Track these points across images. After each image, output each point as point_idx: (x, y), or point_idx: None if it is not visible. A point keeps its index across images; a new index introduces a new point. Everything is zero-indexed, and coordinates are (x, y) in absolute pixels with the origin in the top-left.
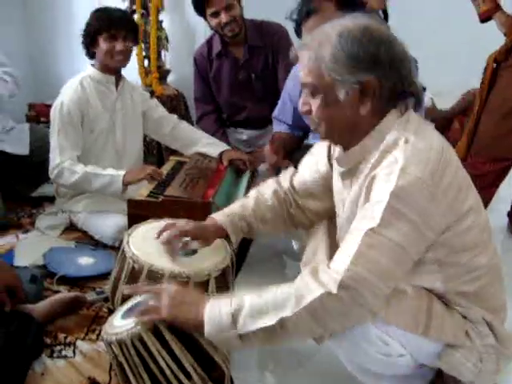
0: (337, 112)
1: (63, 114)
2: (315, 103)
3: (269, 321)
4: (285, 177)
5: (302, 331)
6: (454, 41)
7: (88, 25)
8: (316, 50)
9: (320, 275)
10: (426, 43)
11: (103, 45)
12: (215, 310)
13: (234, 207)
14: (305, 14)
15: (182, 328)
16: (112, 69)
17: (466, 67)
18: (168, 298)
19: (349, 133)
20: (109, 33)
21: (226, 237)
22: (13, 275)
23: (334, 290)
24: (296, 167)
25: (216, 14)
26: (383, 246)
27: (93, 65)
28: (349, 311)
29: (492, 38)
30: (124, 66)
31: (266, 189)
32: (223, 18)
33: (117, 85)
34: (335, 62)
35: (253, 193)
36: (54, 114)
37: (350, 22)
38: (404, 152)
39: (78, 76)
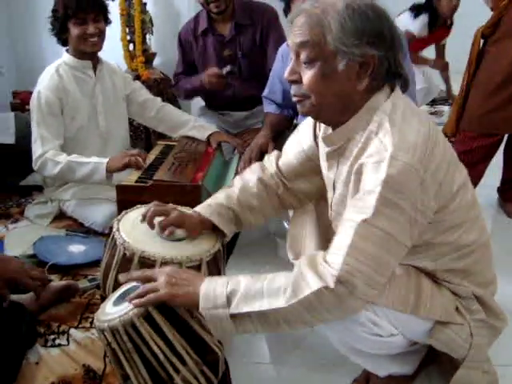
0: (332, 84)
1: (41, 104)
2: (310, 72)
3: (262, 307)
4: (270, 160)
5: (295, 320)
6: None
7: (54, 11)
8: (319, 16)
9: (318, 268)
10: None
11: (74, 30)
12: (211, 288)
13: (219, 198)
14: None
15: (176, 306)
16: (88, 54)
17: None
18: (165, 277)
19: (339, 108)
20: (77, 17)
21: (213, 228)
22: (11, 269)
23: (332, 285)
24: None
25: None
26: (377, 237)
27: (67, 50)
28: (344, 304)
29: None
30: (99, 49)
31: (251, 175)
32: None
33: (95, 69)
34: (342, 31)
35: (237, 181)
36: (32, 104)
37: None
38: (392, 137)
39: (53, 63)
